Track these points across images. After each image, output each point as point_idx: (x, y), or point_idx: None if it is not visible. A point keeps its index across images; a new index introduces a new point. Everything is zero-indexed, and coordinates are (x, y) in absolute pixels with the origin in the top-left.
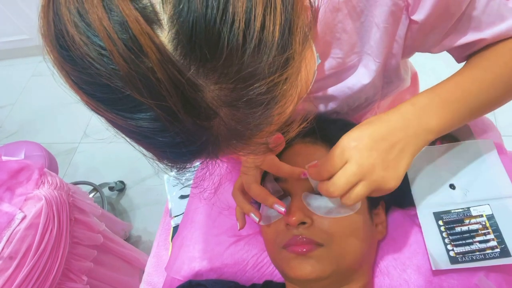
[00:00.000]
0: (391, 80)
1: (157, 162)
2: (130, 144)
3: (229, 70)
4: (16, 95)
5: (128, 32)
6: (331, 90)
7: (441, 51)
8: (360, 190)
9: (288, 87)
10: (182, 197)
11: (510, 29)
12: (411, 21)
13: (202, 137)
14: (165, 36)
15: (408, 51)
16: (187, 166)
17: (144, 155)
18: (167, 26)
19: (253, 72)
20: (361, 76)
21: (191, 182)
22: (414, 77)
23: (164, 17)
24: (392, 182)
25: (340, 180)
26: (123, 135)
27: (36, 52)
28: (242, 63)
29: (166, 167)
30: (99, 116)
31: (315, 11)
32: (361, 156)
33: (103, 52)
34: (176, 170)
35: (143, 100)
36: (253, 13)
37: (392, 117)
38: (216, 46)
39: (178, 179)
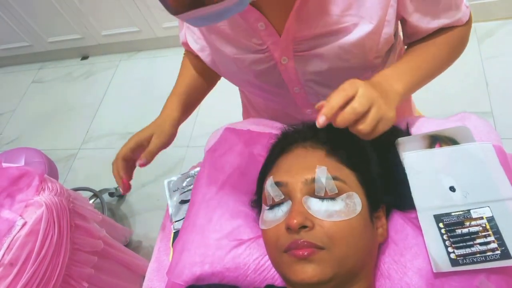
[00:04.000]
0: (382, 61)
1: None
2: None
3: None
4: (16, 101)
5: None
6: (322, 49)
7: (415, 22)
8: (373, 113)
9: None
10: (183, 202)
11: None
12: None
13: None
14: None
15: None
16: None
17: None
18: None
19: None
20: (354, 38)
21: (191, 186)
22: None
23: None
24: (391, 113)
25: (355, 104)
26: None
27: (36, 58)
28: None
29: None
30: None
31: None
32: (368, 87)
33: None
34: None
35: None
36: None
37: (369, 81)
38: None
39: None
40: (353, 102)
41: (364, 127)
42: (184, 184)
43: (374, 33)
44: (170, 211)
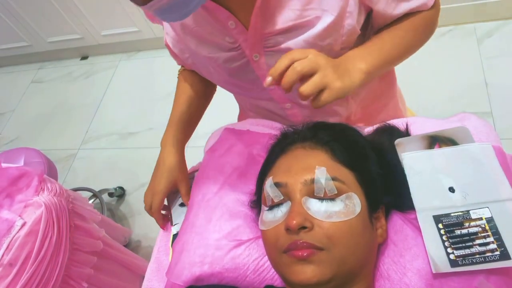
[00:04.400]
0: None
1: None
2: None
3: None
4: (16, 101)
5: None
6: (289, 43)
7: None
8: (316, 78)
9: None
10: (182, 204)
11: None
12: None
13: None
14: None
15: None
16: None
17: None
18: None
19: None
20: (317, 31)
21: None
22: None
23: None
24: (339, 83)
25: (296, 64)
26: None
27: (35, 58)
28: None
29: None
30: None
31: None
32: (318, 55)
33: None
34: None
35: None
36: None
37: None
38: None
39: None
40: (296, 63)
41: (304, 88)
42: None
43: (336, 24)
44: (170, 212)
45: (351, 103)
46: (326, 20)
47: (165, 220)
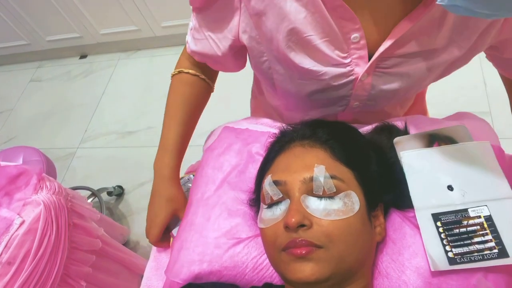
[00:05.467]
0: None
1: None
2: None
3: None
4: (15, 100)
5: None
6: (409, 68)
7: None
8: None
9: None
10: None
11: None
12: None
13: None
14: None
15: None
16: None
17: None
18: None
19: None
20: (443, 60)
21: (185, 194)
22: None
23: None
24: None
25: None
26: None
27: (34, 57)
28: None
29: None
30: None
31: None
32: None
33: None
34: None
35: None
36: None
37: None
38: None
39: None
40: None
41: None
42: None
43: (458, 60)
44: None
45: (398, 110)
46: (453, 52)
47: (165, 243)
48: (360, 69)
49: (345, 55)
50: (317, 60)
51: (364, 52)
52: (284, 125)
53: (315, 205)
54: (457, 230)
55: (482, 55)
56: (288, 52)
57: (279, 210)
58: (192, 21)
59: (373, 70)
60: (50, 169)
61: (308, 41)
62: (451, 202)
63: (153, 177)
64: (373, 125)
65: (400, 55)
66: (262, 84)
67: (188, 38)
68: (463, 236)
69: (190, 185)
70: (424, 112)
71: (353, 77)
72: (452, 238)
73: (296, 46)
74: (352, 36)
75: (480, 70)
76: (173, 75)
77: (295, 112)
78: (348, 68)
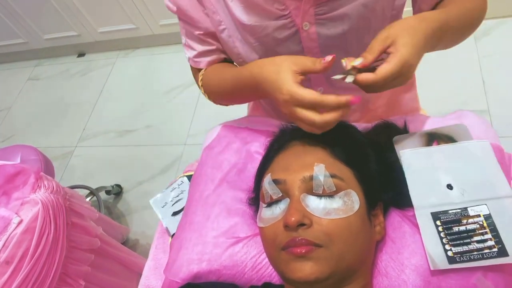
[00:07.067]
0: (397, 15)
1: None
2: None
3: None
4: (12, 99)
5: None
6: (344, 9)
7: None
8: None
9: None
10: (175, 213)
11: None
12: None
13: None
14: None
15: None
16: None
17: None
18: None
19: None
20: None
21: (181, 195)
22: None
23: None
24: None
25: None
26: None
27: (32, 55)
28: None
29: None
30: None
31: None
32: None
33: None
34: None
35: None
36: None
37: (428, 32)
38: None
39: None
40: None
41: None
42: (172, 196)
43: None
44: (165, 224)
45: (383, 95)
46: None
47: None
48: (299, 20)
49: (283, 7)
50: (261, 15)
51: (298, 2)
52: (283, 123)
53: (315, 204)
54: (457, 229)
55: (481, 54)
56: (234, 10)
57: (278, 209)
58: (182, 38)
59: (314, 19)
60: (48, 168)
61: None
62: (450, 201)
63: (259, 81)
64: (373, 124)
65: None
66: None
67: (187, 54)
68: (463, 235)
69: (184, 188)
70: (416, 109)
71: (295, 28)
72: (451, 237)
73: (237, 2)
74: None
75: (478, 68)
76: (200, 84)
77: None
78: (289, 19)
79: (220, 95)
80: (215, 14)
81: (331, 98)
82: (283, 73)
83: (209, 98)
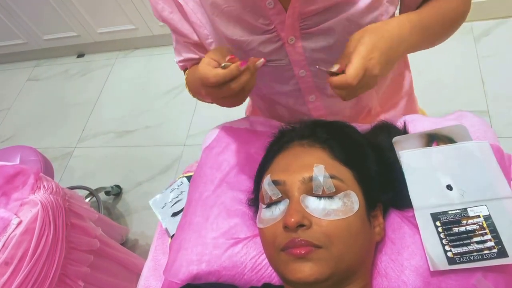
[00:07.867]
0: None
1: None
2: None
3: None
4: (12, 99)
5: None
6: (330, 22)
7: None
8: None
9: None
10: (174, 214)
11: None
12: None
13: None
14: None
15: None
16: None
17: None
18: None
19: None
20: (362, 7)
21: (180, 196)
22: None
23: None
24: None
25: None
26: None
27: (31, 56)
28: None
29: None
30: None
31: None
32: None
33: None
34: None
35: None
36: None
37: (394, 31)
38: None
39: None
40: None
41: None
42: (171, 197)
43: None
44: (164, 225)
45: (374, 95)
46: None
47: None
48: (284, 34)
49: (268, 22)
50: (246, 30)
51: (283, 17)
52: (283, 124)
53: (315, 205)
54: (456, 230)
55: (480, 55)
56: (219, 24)
57: (278, 210)
58: (173, 43)
59: (299, 32)
60: (47, 169)
61: (229, 12)
62: (450, 202)
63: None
64: (372, 125)
65: (315, 11)
66: None
67: (175, 57)
68: (462, 235)
69: (183, 189)
70: (414, 110)
71: (281, 42)
72: (451, 237)
73: (221, 17)
74: (267, 3)
75: (478, 69)
76: (185, 83)
77: (261, 99)
78: (274, 34)
79: (197, 93)
80: (202, 28)
81: (230, 68)
82: (203, 63)
83: (194, 96)
